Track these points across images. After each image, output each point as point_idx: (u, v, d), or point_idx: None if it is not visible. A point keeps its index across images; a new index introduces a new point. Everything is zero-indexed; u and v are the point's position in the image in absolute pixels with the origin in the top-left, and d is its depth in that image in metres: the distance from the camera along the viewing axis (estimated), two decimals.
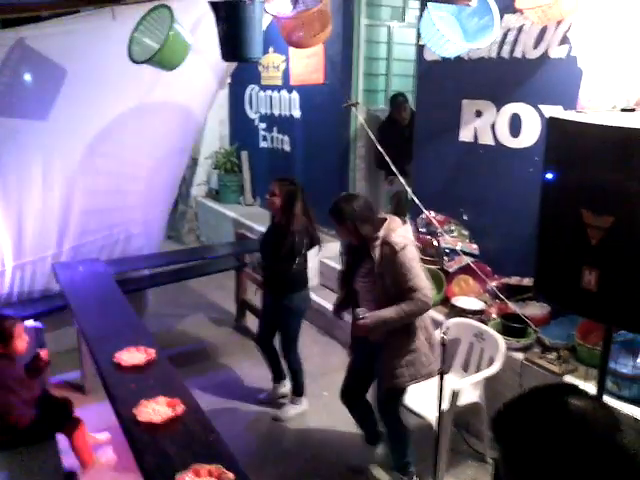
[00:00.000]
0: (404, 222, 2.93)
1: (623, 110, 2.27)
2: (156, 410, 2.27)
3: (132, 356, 2.72)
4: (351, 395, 3.23)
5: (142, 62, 3.27)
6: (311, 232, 3.70)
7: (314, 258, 3.41)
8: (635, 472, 0.95)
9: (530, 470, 0.96)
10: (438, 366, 2.83)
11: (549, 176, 2.21)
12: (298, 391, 3.91)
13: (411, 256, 2.76)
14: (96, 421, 3.49)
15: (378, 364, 2.96)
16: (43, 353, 3.05)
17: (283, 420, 3.83)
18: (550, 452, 0.94)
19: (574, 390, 1.04)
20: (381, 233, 2.79)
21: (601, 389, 2.48)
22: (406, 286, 2.72)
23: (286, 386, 4.06)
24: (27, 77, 3.91)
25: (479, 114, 4.11)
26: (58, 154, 4.22)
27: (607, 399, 2.79)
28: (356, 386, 3.20)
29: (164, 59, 3.26)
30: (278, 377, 4.07)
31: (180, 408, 2.28)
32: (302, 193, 3.66)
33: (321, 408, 3.87)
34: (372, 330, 2.80)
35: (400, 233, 2.80)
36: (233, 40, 2.82)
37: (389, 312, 2.75)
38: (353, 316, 2.93)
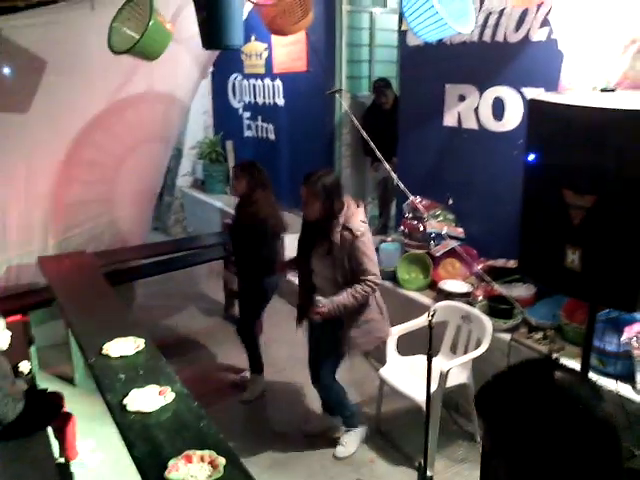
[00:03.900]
0: (358, 205, 3.06)
1: (603, 90, 2.29)
2: (147, 399, 2.28)
3: (121, 347, 2.72)
4: (311, 368, 3.43)
5: (123, 52, 3.24)
6: (274, 217, 3.74)
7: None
8: (614, 443, 0.97)
9: (512, 443, 0.98)
10: (389, 331, 3.26)
11: (531, 157, 2.23)
12: (255, 368, 4.00)
13: (368, 242, 2.98)
14: (86, 412, 3.50)
15: (336, 335, 3.14)
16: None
17: (248, 401, 3.92)
18: (531, 424, 0.96)
19: (556, 364, 1.06)
20: (341, 219, 2.96)
21: (586, 366, 2.52)
22: (360, 269, 2.95)
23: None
24: (6, 69, 3.86)
25: (462, 98, 4.12)
26: (40, 147, 4.18)
27: (592, 376, 2.85)
28: (314, 360, 3.39)
29: (145, 49, 3.22)
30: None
31: (170, 396, 2.30)
32: (263, 177, 3.75)
33: (307, 392, 3.89)
34: (330, 316, 2.99)
35: (359, 219, 2.98)
36: (213, 27, 2.80)
37: (345, 298, 2.95)
38: (303, 296, 3.19)
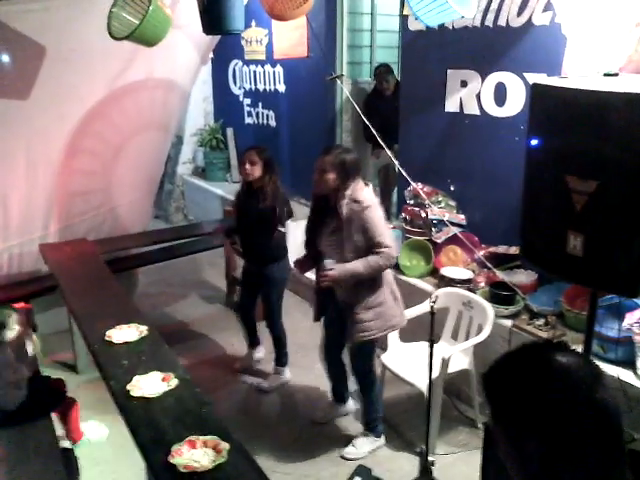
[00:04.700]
0: (366, 185, 3.00)
1: (606, 75, 2.27)
2: (150, 385, 2.29)
3: (123, 333, 2.73)
4: (328, 354, 3.37)
5: (122, 38, 3.21)
6: (288, 201, 3.77)
7: (298, 229, 3.48)
8: (614, 426, 0.98)
9: (516, 424, 0.99)
10: (403, 318, 3.09)
11: (533, 142, 2.22)
12: (281, 361, 3.98)
13: (378, 214, 2.88)
14: (89, 398, 3.52)
15: (347, 321, 3.04)
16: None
17: (267, 390, 3.89)
18: (534, 407, 0.97)
19: (560, 347, 1.06)
20: (348, 192, 2.89)
21: (587, 352, 2.53)
22: (373, 241, 2.84)
23: (260, 352, 4.18)
24: (5, 56, 3.84)
25: (464, 84, 4.09)
26: (41, 134, 4.16)
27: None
28: (331, 345, 3.33)
29: (145, 35, 3.20)
30: (253, 343, 4.17)
31: (173, 382, 2.31)
32: (274, 162, 3.75)
33: (313, 380, 3.91)
34: (338, 281, 2.91)
35: (366, 192, 2.91)
36: (213, 12, 2.78)
37: (356, 265, 2.86)
38: (318, 269, 3.02)
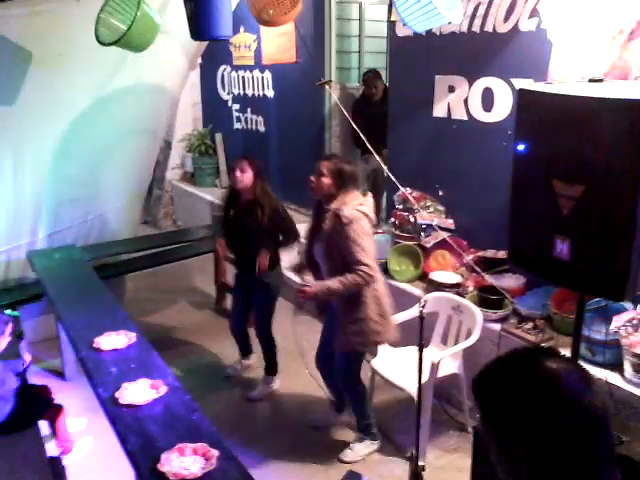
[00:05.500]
0: (364, 195, 3.02)
1: (591, 80, 2.29)
2: (139, 392, 2.28)
3: (112, 340, 2.71)
4: (322, 361, 3.36)
5: (110, 44, 3.21)
6: (289, 220, 3.72)
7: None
8: (603, 431, 0.98)
9: (506, 429, 0.99)
10: (389, 336, 3.08)
11: (520, 147, 2.24)
12: (271, 370, 3.95)
13: (360, 231, 2.85)
14: (77, 406, 3.49)
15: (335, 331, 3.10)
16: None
17: (255, 399, 3.86)
18: (524, 412, 0.97)
19: (550, 352, 1.07)
20: (334, 205, 2.90)
21: (575, 356, 2.54)
22: (350, 258, 2.86)
23: (252, 359, 4.16)
24: None
25: (452, 89, 4.12)
26: (28, 140, 4.14)
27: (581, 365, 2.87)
28: (326, 352, 3.30)
29: (132, 40, 3.20)
30: (246, 352, 4.15)
31: (163, 389, 2.29)
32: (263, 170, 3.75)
33: (304, 386, 3.90)
34: (315, 297, 2.95)
35: (353, 207, 2.88)
36: (202, 18, 2.78)
37: (333, 282, 2.89)
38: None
